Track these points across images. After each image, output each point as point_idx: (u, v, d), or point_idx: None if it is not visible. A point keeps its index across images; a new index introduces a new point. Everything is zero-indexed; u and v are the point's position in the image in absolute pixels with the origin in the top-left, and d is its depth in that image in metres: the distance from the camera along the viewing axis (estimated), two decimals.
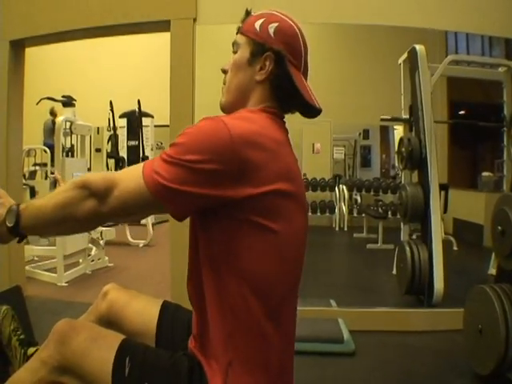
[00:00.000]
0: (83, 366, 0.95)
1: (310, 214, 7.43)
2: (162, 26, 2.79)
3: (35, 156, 6.83)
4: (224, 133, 0.83)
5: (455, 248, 5.56)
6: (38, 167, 6.82)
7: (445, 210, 3.61)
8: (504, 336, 1.91)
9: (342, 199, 7.64)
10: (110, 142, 6.64)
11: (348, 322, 2.64)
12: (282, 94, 1.00)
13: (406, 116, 4.11)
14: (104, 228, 4.75)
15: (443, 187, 3.58)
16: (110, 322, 1.18)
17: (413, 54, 3.68)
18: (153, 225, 5.66)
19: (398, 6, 2.76)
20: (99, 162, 7.85)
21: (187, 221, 0.94)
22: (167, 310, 1.19)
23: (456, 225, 6.62)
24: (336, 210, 7.64)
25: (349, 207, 7.66)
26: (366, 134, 8.90)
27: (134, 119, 6.47)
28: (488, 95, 6.60)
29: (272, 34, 0.98)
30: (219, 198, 0.84)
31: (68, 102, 4.50)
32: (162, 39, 3.07)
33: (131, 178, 0.87)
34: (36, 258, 4.17)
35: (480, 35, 6.46)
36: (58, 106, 5.12)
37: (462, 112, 8.14)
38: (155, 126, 7.28)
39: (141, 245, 5.52)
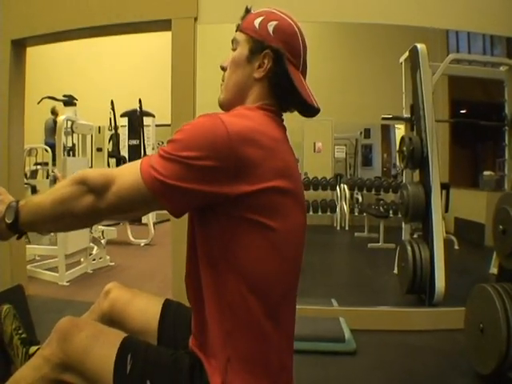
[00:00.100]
0: (85, 363, 0.95)
1: (311, 213, 7.45)
2: (163, 25, 2.79)
3: (36, 155, 6.86)
4: (221, 130, 0.83)
5: (456, 247, 5.56)
6: (39, 166, 6.83)
7: (446, 209, 3.60)
8: (505, 335, 1.91)
9: (343, 198, 7.65)
10: (111, 142, 6.65)
11: (349, 321, 2.64)
12: (280, 92, 1.00)
13: (407, 115, 4.11)
14: (105, 227, 4.77)
15: (444, 186, 3.57)
16: (112, 320, 1.18)
17: (414, 52, 3.68)
18: (154, 224, 5.66)
19: (400, 4, 2.76)
20: (100, 161, 7.86)
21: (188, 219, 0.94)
22: (169, 308, 1.19)
23: (457, 224, 6.62)
24: (337, 209, 7.65)
25: (350, 206, 7.67)
26: (367, 133, 8.90)
27: (135, 118, 6.48)
28: (489, 94, 6.60)
29: (271, 32, 0.98)
30: (216, 194, 0.84)
31: (69, 101, 4.51)
32: (164, 38, 3.08)
33: (129, 174, 0.87)
34: (37, 258, 4.18)
35: (481, 34, 6.46)
36: (60, 106, 5.13)
37: (463, 111, 8.14)
38: (156, 126, 7.30)
39: (142, 244, 5.52)
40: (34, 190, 5.28)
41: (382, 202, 7.46)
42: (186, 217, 0.94)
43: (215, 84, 1.15)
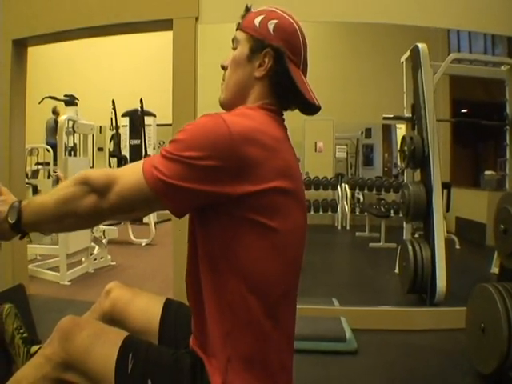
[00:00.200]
0: (87, 362, 0.95)
1: (312, 212, 7.45)
2: (164, 25, 2.79)
3: (38, 155, 6.86)
4: (223, 130, 0.83)
5: (458, 247, 5.56)
6: (40, 166, 6.84)
7: (447, 209, 3.60)
8: (506, 335, 1.91)
9: (344, 198, 7.65)
10: (112, 141, 6.66)
11: (350, 320, 2.64)
12: (280, 91, 1.00)
13: (408, 114, 4.10)
14: (106, 227, 4.77)
15: (446, 186, 3.57)
16: (113, 319, 1.18)
17: (415, 52, 3.67)
18: (155, 224, 5.67)
19: (401, 4, 2.76)
20: (102, 161, 7.87)
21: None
22: (170, 307, 1.19)
23: (458, 223, 6.61)
24: (338, 209, 7.64)
25: (351, 206, 7.67)
26: (368, 132, 8.89)
27: (137, 118, 6.48)
28: (490, 93, 6.59)
29: (271, 31, 0.98)
30: (218, 194, 0.84)
31: (70, 100, 4.52)
32: (165, 38, 3.07)
33: (131, 174, 0.87)
34: (39, 257, 4.18)
35: (482, 33, 6.45)
36: (61, 105, 5.14)
37: (464, 110, 8.12)
38: (157, 125, 7.30)
39: (143, 243, 5.52)
40: (36, 190, 5.29)
41: (383, 201, 7.45)
42: (187, 216, 0.94)
43: (216, 83, 1.15)
